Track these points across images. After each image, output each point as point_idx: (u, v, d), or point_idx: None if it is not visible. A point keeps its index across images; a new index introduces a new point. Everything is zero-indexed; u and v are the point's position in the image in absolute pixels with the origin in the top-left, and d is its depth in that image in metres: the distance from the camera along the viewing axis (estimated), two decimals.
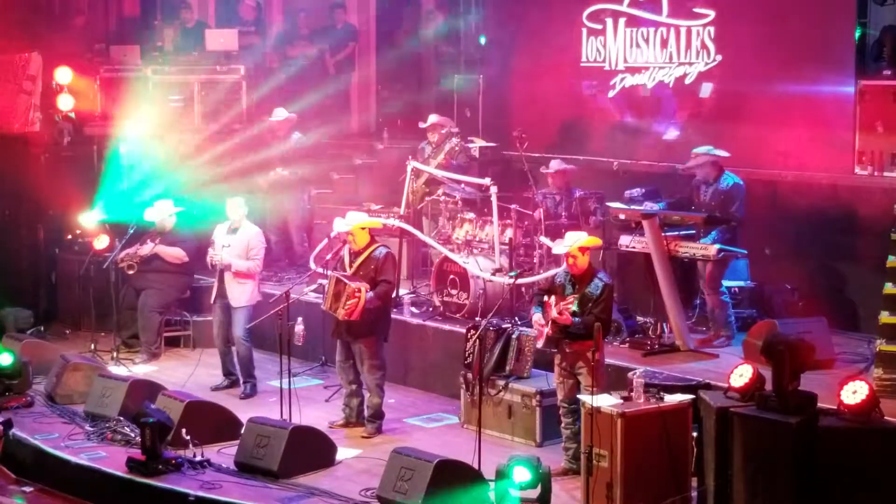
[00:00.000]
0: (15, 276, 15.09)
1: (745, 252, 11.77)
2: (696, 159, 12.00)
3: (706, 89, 13.79)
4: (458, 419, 11.65)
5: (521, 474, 9.24)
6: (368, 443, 11.13)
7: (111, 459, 10.61)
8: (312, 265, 12.97)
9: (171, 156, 15.18)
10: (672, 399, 9.54)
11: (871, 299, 11.02)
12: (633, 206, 12.10)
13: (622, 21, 14.45)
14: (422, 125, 14.45)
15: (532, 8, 15.61)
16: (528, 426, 11.06)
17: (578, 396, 9.85)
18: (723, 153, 11.94)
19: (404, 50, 18.17)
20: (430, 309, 13.07)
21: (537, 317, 10.18)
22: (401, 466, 9.57)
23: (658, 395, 9.54)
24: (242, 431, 10.77)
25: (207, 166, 14.91)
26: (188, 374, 12.82)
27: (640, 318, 12.12)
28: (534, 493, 9.33)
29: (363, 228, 11.28)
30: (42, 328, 14.57)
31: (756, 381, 9.17)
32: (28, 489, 10.75)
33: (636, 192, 12.73)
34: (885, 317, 10.27)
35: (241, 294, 12.34)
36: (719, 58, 13.59)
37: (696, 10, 13.77)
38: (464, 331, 11.65)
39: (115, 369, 13.01)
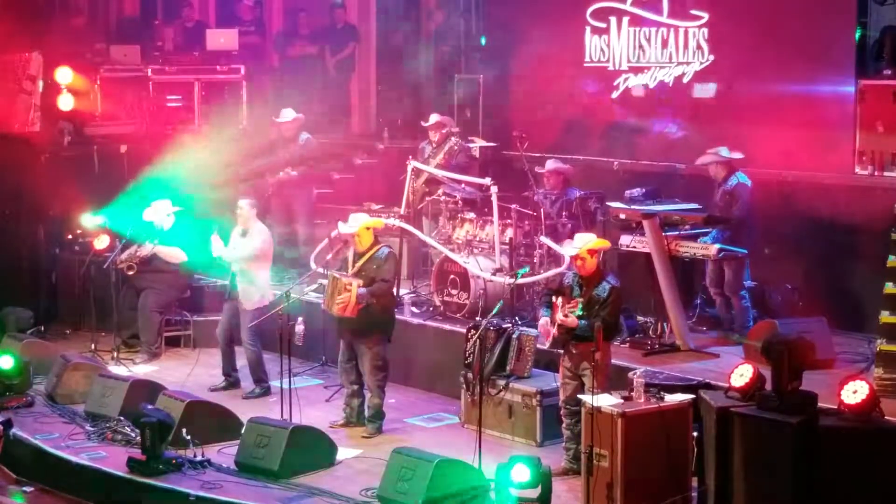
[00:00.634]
0: (15, 276, 15.08)
1: (746, 252, 11.78)
2: (702, 157, 12.07)
3: (707, 89, 13.80)
4: (459, 419, 11.65)
5: (521, 474, 9.24)
6: (369, 443, 11.13)
7: (111, 459, 10.61)
8: (313, 265, 12.98)
9: (175, 157, 15.16)
10: (672, 399, 9.53)
11: (872, 299, 11.02)
12: (633, 206, 12.11)
13: (626, 20, 14.44)
14: (424, 124, 14.44)
15: (532, 7, 15.61)
16: (528, 426, 11.06)
17: (579, 396, 9.85)
18: (735, 155, 11.98)
19: (405, 50, 18.18)
20: (431, 309, 13.07)
21: (544, 319, 10.19)
22: (401, 466, 9.58)
23: (658, 395, 9.54)
24: (243, 431, 10.78)
25: (213, 167, 14.86)
26: (188, 374, 12.83)
27: (640, 318, 12.12)
28: (534, 493, 9.30)
29: (367, 229, 11.30)
30: (42, 328, 14.55)
31: (756, 380, 9.16)
32: (28, 489, 10.76)
33: (636, 192, 12.73)
34: (885, 316, 10.27)
35: (251, 295, 12.31)
36: (718, 58, 13.59)
37: (695, 11, 13.78)
38: (464, 331, 11.65)
39: (116, 369, 13.00)
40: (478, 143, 15.35)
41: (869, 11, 12.60)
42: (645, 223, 11.63)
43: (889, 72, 12.27)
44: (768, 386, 9.07)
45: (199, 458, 10.40)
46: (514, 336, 11.32)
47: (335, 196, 15.88)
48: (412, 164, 13.81)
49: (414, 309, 13.16)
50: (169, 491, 9.98)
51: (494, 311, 10.83)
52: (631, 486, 9.26)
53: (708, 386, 10.05)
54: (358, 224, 11.24)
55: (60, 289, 15.25)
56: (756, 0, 13.38)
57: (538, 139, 14.36)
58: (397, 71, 18.40)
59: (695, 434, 9.47)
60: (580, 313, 9.81)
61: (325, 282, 11.67)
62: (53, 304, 15.26)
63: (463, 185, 13.65)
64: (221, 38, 16.91)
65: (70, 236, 15.08)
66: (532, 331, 11.20)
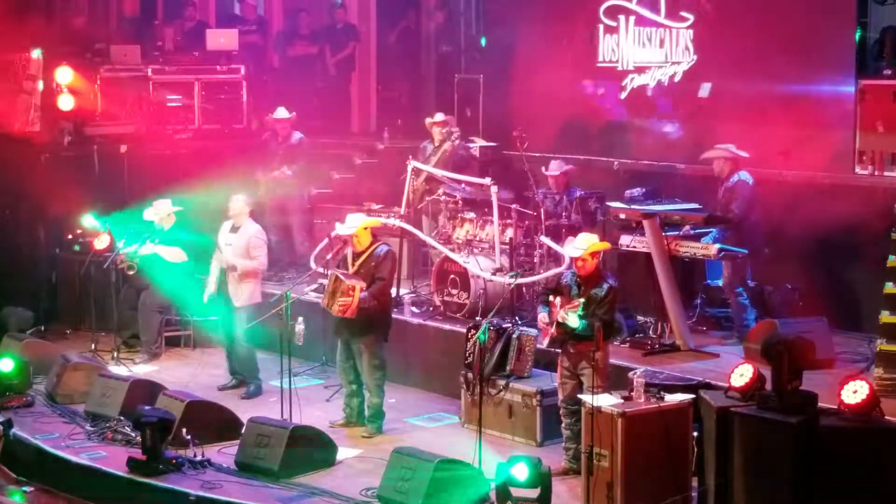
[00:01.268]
0: (15, 276, 15.08)
1: (746, 251, 11.77)
2: (709, 152, 12.09)
3: (706, 89, 13.79)
4: (459, 419, 11.65)
5: (521, 474, 9.24)
6: (369, 442, 11.14)
7: (112, 459, 10.62)
8: (313, 265, 12.98)
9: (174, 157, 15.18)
10: (672, 399, 9.53)
11: (872, 299, 11.02)
12: (633, 206, 12.11)
13: (632, 19, 14.43)
14: (429, 119, 14.42)
15: (533, 7, 15.60)
16: (528, 426, 11.06)
17: (579, 396, 9.85)
18: (741, 153, 11.97)
19: (405, 50, 18.17)
20: (431, 308, 13.07)
21: (542, 316, 10.18)
22: (401, 466, 9.59)
23: (658, 395, 9.54)
24: (243, 431, 10.78)
25: (209, 166, 14.87)
26: (188, 374, 12.83)
27: (640, 318, 12.12)
28: (534, 493, 9.32)
29: (366, 229, 11.30)
30: (42, 328, 14.56)
31: (756, 380, 9.17)
32: (28, 489, 10.76)
33: (636, 192, 12.73)
34: (885, 316, 10.27)
35: (242, 293, 12.32)
36: (719, 58, 13.59)
37: (695, 10, 13.78)
38: (464, 330, 11.66)
39: (116, 369, 13.01)
40: (478, 143, 15.35)
41: (869, 11, 12.59)
42: (645, 223, 11.63)
43: (889, 72, 12.26)
44: (768, 386, 9.08)
45: (199, 458, 10.41)
46: (514, 336, 11.32)
47: (335, 196, 15.88)
48: (412, 163, 13.81)
49: (414, 309, 13.17)
50: (169, 491, 9.98)
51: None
52: (631, 486, 9.26)
53: (708, 386, 10.05)
54: (356, 225, 11.24)
55: (60, 289, 15.26)
56: (756, 0, 13.38)
57: (538, 139, 14.35)
58: (397, 71, 18.41)
59: (695, 434, 9.47)
60: (581, 313, 9.81)
61: (325, 282, 11.67)
62: (53, 304, 15.27)
63: (463, 185, 13.65)
64: (221, 38, 16.91)
65: (70, 236, 15.09)
66: (532, 331, 11.20)
